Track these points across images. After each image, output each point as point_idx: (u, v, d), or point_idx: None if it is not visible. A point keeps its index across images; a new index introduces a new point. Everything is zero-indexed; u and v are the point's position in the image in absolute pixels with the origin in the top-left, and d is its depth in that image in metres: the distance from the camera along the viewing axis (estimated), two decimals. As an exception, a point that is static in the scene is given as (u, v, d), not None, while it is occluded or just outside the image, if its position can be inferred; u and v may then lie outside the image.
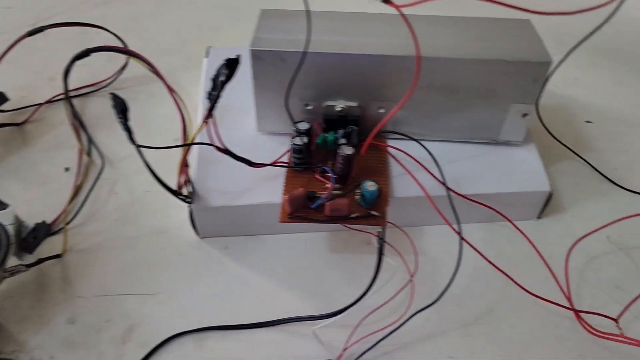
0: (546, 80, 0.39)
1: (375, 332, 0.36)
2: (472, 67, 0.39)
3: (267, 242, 0.42)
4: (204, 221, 0.41)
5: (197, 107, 0.49)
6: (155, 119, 0.52)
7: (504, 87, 0.40)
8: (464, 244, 0.39)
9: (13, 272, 0.38)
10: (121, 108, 0.34)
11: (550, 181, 0.43)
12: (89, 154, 0.48)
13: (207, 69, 0.49)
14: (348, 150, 0.38)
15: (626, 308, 0.37)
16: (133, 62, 0.48)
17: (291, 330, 0.38)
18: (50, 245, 0.41)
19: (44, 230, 0.38)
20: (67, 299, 0.39)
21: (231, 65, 0.33)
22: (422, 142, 0.42)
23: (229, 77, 0.33)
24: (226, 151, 0.37)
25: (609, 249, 0.43)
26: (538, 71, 0.39)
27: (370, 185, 0.37)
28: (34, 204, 0.44)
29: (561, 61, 0.37)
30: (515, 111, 0.41)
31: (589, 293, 0.40)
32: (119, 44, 0.56)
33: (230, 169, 0.40)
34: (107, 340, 0.37)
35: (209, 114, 0.34)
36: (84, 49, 0.44)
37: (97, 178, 0.46)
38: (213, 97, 0.34)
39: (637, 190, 0.47)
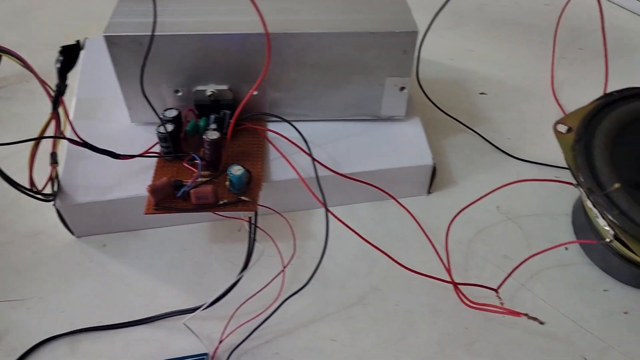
0: (419, 51, 0.39)
1: (250, 320, 0.35)
2: (339, 42, 0.38)
3: (146, 236, 0.41)
4: (76, 219, 0.39)
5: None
6: (36, 118, 0.49)
7: (376, 60, 0.39)
8: (346, 224, 0.38)
9: None
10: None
11: (435, 155, 0.43)
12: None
13: (84, 61, 0.47)
14: (213, 135, 0.36)
15: (506, 279, 0.37)
16: (8, 59, 0.46)
17: (169, 326, 0.36)
18: None
19: None
20: None
21: (67, 52, 0.31)
22: (301, 122, 0.41)
23: (65, 64, 0.31)
24: (85, 144, 0.35)
25: (498, 219, 0.43)
26: (406, 42, 0.38)
27: (236, 170, 0.35)
28: None
29: (427, 30, 0.37)
30: (391, 85, 0.41)
31: (478, 264, 0.40)
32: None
33: (101, 164, 0.39)
34: (-29, 352, 0.35)
35: (54, 105, 0.32)
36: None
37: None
38: (57, 87, 0.32)
39: (528, 159, 0.48)
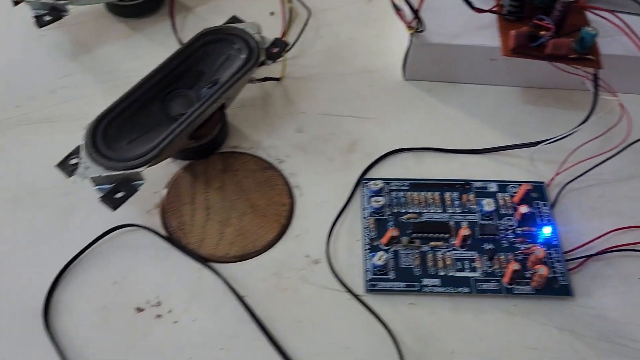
0: None
1: (586, 160, 0.40)
2: None
3: (466, 90, 0.46)
4: (417, 59, 0.44)
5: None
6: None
7: None
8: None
9: (252, 79, 0.42)
10: None
11: None
12: (290, 0, 0.51)
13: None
14: (568, -3, 0.41)
15: None
16: None
17: (499, 159, 0.41)
18: (268, 71, 0.45)
19: (283, 45, 0.41)
20: (291, 113, 0.43)
21: None
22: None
23: None
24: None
25: None
26: None
27: (590, 30, 0.40)
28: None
29: None
30: None
31: None
32: None
33: (450, 15, 0.43)
34: (334, 149, 0.41)
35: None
36: None
37: (305, 24, 0.49)
38: None
39: None
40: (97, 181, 0.34)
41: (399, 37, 0.45)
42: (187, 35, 0.44)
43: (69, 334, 0.33)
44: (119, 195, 0.34)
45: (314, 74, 0.46)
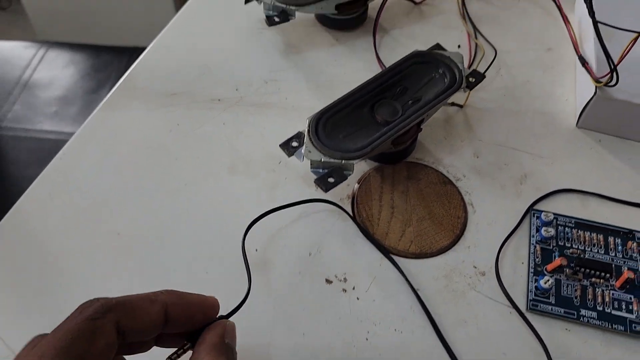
0: None
1: None
2: None
3: (637, 147, 0.48)
4: (597, 110, 0.47)
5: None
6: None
7: None
8: None
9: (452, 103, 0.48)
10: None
11: None
12: (476, 38, 0.56)
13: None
14: None
15: None
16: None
17: None
18: (453, 98, 0.50)
19: (480, 76, 0.46)
20: (470, 139, 0.48)
21: None
22: None
23: None
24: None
25: None
26: None
27: None
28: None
29: None
30: None
31: None
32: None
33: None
34: (507, 177, 0.46)
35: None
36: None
37: (492, 62, 0.54)
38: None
39: None
40: (315, 164, 0.40)
41: (577, 87, 0.48)
42: (382, 53, 0.50)
43: (270, 285, 0.39)
44: (331, 180, 0.40)
45: (491, 108, 0.51)
